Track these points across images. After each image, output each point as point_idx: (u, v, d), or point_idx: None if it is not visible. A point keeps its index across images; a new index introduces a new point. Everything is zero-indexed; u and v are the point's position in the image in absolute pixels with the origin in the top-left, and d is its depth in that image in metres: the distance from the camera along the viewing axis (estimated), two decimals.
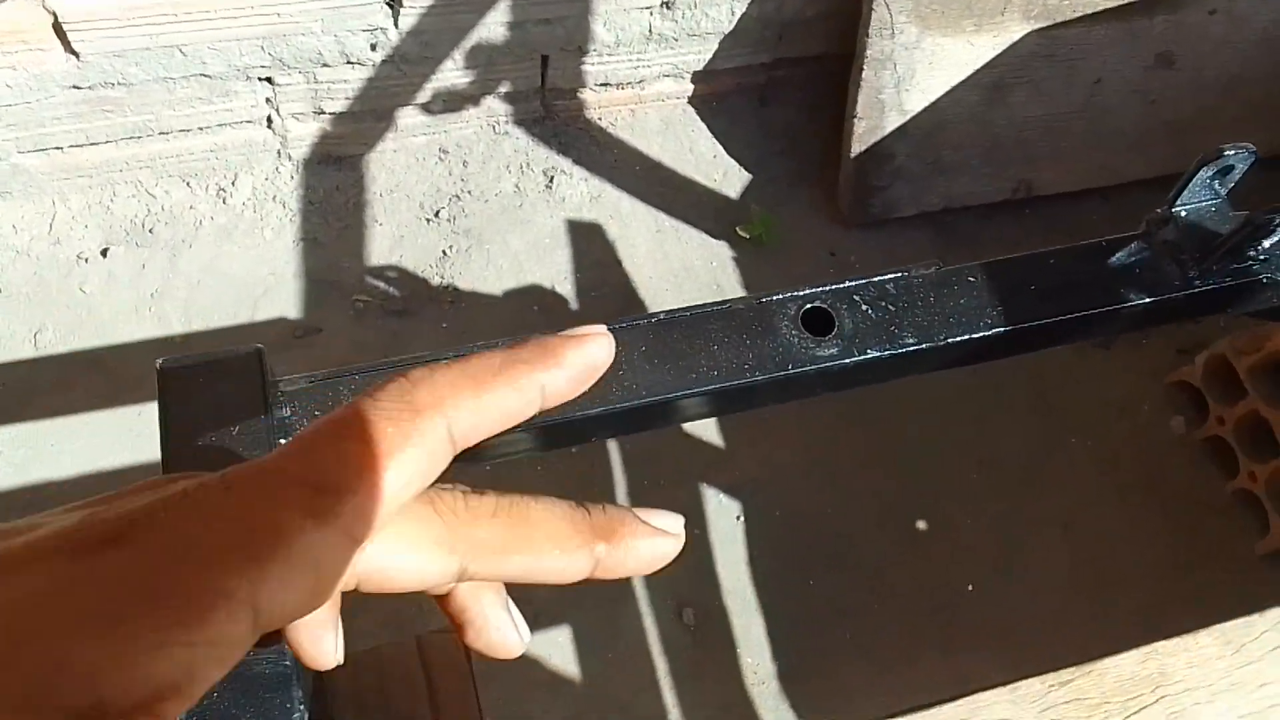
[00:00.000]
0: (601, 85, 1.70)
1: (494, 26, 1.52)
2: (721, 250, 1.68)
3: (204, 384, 0.41)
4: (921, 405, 1.57)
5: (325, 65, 1.49)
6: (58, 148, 1.49)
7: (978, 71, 1.58)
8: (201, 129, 1.53)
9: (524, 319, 1.57)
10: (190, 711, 0.24)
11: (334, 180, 1.65)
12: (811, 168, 1.77)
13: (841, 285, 0.47)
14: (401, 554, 0.22)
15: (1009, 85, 1.61)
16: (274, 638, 0.22)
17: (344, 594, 0.23)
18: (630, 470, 1.47)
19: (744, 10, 1.63)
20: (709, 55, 1.70)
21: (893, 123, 1.60)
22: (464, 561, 0.22)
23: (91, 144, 1.50)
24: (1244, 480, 1.52)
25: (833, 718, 1.38)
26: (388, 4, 1.43)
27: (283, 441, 0.41)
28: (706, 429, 1.52)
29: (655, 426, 0.46)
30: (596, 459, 1.47)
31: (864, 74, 1.54)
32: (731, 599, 1.41)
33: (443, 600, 0.25)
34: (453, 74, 1.58)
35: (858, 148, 1.61)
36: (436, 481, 0.22)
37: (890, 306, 0.47)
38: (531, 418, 0.23)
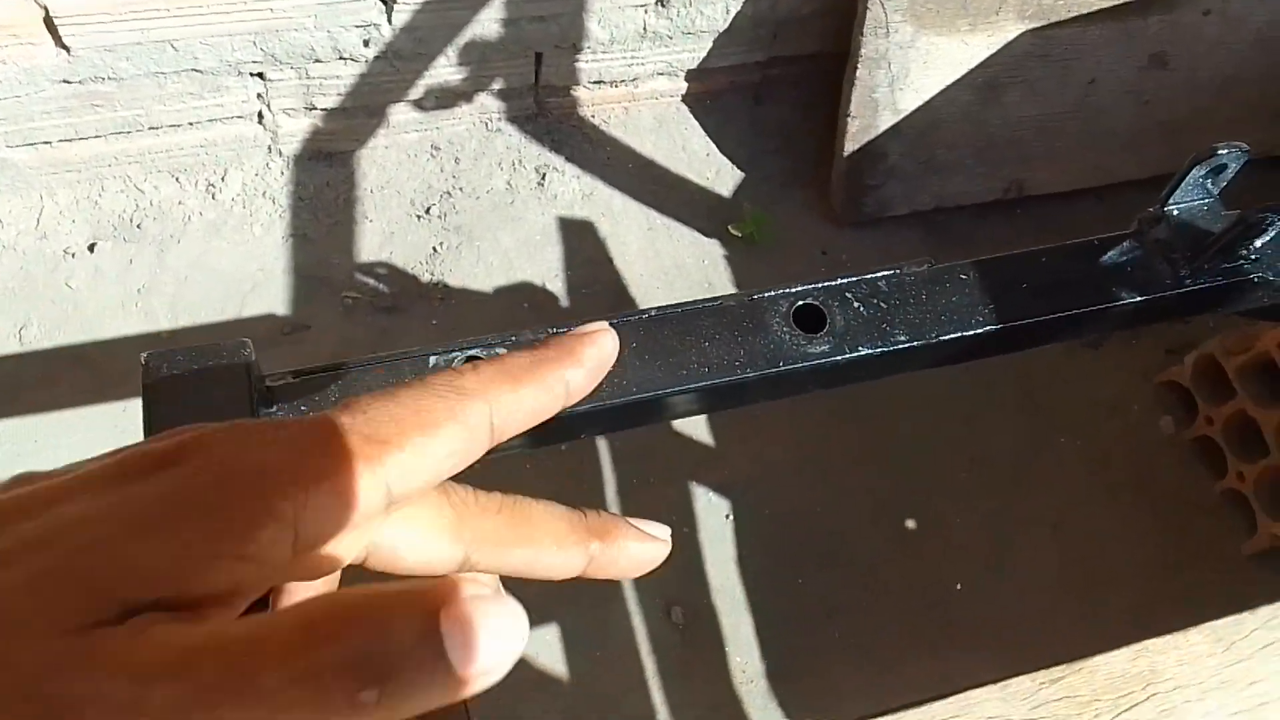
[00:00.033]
0: (595, 83, 1.70)
1: (488, 23, 1.51)
2: (713, 249, 1.68)
3: (190, 378, 0.40)
4: (913, 403, 1.57)
5: (318, 61, 1.48)
6: (46, 142, 1.48)
7: (972, 71, 1.58)
8: (192, 124, 1.53)
9: (514, 316, 1.57)
10: None
11: (324, 176, 1.64)
12: (805, 166, 1.77)
13: (833, 282, 0.47)
14: (413, 534, 0.23)
15: (1003, 85, 1.61)
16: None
17: (345, 569, 0.23)
18: (620, 467, 1.47)
19: (738, 8, 1.62)
20: (703, 53, 1.70)
21: (886, 122, 1.60)
22: (469, 550, 0.24)
23: (81, 139, 1.49)
24: (1232, 480, 1.52)
25: (822, 716, 1.38)
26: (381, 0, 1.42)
27: None
28: (697, 426, 1.52)
29: (646, 423, 0.46)
30: (586, 456, 1.47)
31: (858, 73, 1.54)
32: (721, 597, 1.41)
33: None
34: (446, 70, 1.57)
35: (851, 146, 1.61)
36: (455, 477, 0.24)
37: (882, 304, 0.47)
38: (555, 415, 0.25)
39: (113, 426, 1.40)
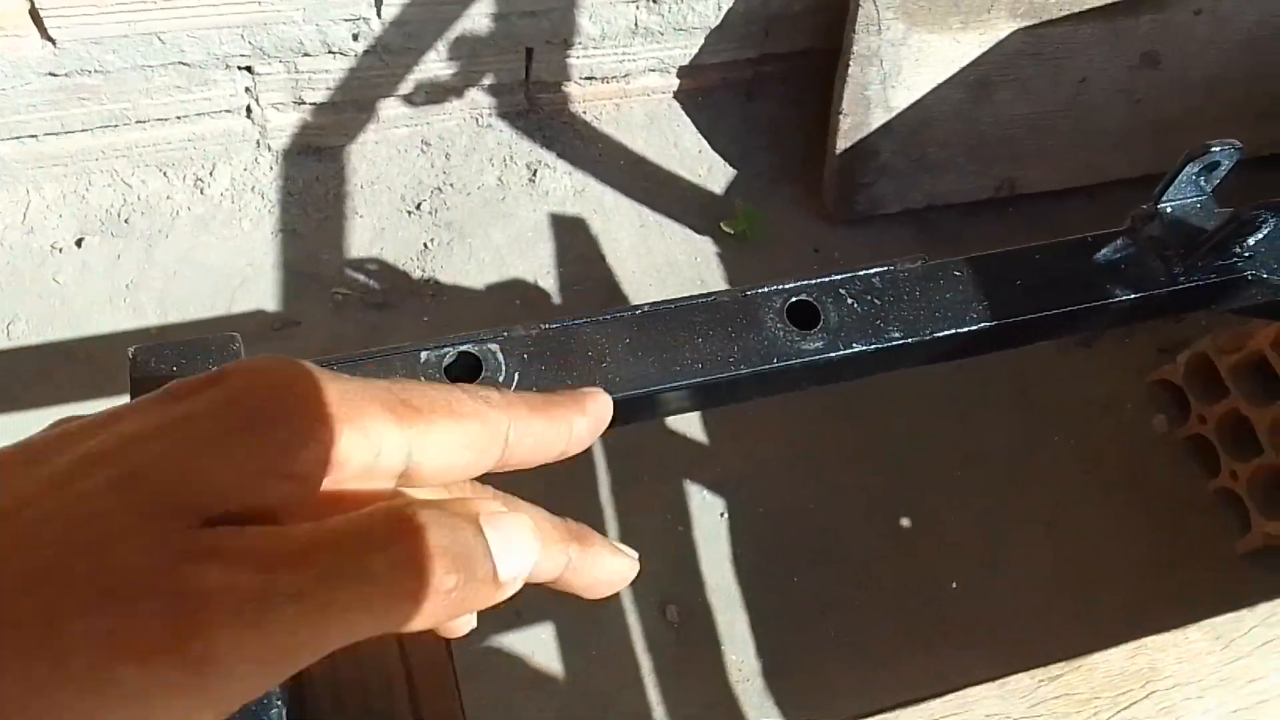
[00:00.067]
0: (586, 79, 1.69)
1: (478, 18, 1.51)
2: (705, 245, 1.68)
3: (178, 373, 0.40)
4: (907, 400, 1.57)
5: (306, 55, 1.47)
6: (32, 136, 1.46)
7: (964, 69, 1.58)
8: (179, 118, 1.51)
9: (505, 313, 1.56)
10: None
11: (314, 171, 1.63)
12: (796, 164, 1.76)
13: (827, 279, 0.47)
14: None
15: (995, 83, 1.61)
16: None
17: None
18: (613, 465, 1.47)
19: (730, 5, 1.62)
20: (695, 50, 1.69)
21: (878, 119, 1.60)
22: None
23: (67, 132, 1.48)
24: (1225, 479, 1.52)
25: (817, 714, 1.37)
26: None
27: None
28: (690, 423, 1.52)
29: (638, 420, 0.46)
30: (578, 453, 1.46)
31: (850, 70, 1.54)
32: (715, 595, 1.41)
33: None
34: (436, 65, 1.56)
35: (843, 144, 1.61)
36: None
37: (876, 300, 0.47)
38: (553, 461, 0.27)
39: None
